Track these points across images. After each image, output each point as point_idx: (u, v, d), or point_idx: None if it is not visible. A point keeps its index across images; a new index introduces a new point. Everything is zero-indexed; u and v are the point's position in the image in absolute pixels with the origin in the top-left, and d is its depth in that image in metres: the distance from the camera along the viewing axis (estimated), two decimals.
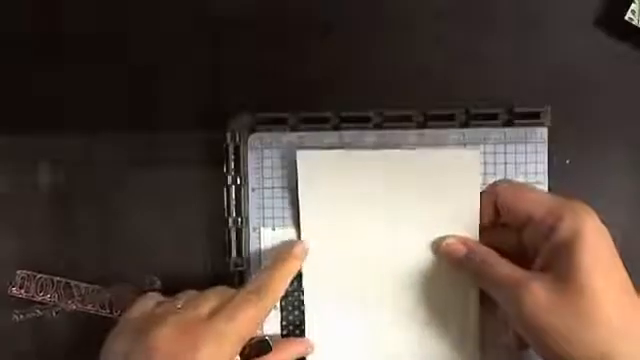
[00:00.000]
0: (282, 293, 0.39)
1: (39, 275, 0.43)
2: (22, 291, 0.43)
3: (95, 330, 0.42)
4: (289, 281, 0.39)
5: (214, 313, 0.35)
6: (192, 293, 0.38)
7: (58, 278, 0.43)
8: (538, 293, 0.32)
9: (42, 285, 0.43)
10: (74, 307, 0.43)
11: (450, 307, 0.40)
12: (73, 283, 0.43)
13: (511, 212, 0.37)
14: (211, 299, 0.37)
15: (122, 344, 0.35)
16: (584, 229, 0.32)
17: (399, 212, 0.40)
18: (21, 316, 0.43)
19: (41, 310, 0.43)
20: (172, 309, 0.36)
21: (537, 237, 0.34)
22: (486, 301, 0.39)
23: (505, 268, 0.35)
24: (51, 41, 0.43)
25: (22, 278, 0.43)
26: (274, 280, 0.38)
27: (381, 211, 0.41)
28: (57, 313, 0.43)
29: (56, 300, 0.43)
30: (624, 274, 0.32)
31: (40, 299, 0.43)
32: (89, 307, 0.43)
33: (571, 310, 0.31)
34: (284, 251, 0.40)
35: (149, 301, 0.38)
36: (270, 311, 0.38)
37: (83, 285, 0.43)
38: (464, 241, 0.39)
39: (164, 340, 0.34)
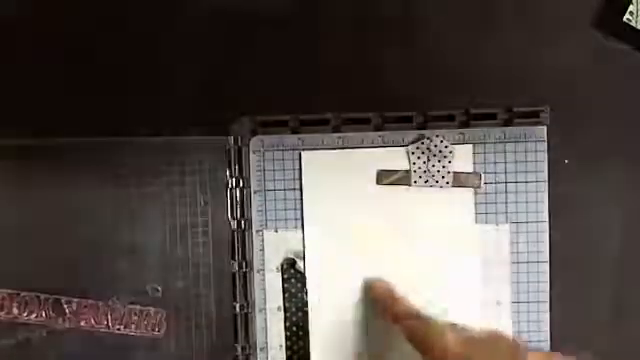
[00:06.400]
0: None
1: (22, 293, 0.39)
2: (2, 313, 0.39)
3: (91, 349, 0.40)
4: None
5: None
6: None
7: (45, 295, 0.39)
8: None
9: (26, 304, 0.39)
10: (66, 326, 0.40)
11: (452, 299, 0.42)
12: (63, 299, 0.39)
13: None
14: None
15: None
16: None
17: (401, 210, 0.42)
18: (3, 341, 0.39)
19: (27, 332, 0.39)
20: None
21: None
22: None
23: None
24: (50, 40, 0.41)
25: (2, 298, 0.39)
26: None
27: (383, 209, 0.42)
28: (47, 334, 0.39)
29: (44, 319, 0.39)
30: None
31: (24, 320, 0.39)
32: (83, 324, 0.40)
33: None
34: None
35: None
36: None
37: (75, 300, 0.40)
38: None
39: None
